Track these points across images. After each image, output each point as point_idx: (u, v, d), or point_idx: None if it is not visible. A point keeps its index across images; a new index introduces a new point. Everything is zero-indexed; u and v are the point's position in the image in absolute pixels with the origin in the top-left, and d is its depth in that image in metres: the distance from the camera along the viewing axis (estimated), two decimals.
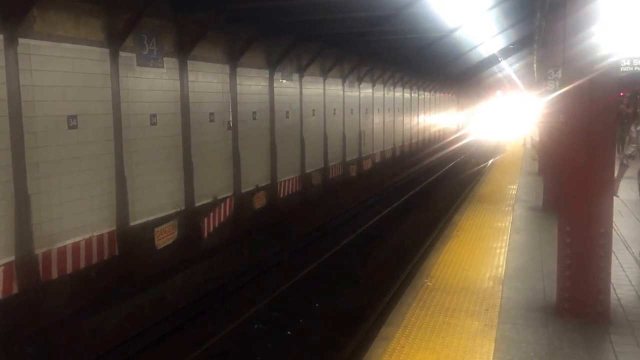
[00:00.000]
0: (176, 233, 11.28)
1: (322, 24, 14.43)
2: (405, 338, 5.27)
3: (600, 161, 5.43)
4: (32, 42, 8.05)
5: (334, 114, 20.62)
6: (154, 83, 10.70)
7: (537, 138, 18.77)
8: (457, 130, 46.48)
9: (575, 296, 5.55)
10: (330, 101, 20.04)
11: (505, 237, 9.00)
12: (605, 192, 5.46)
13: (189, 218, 11.79)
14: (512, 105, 47.16)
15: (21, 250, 7.88)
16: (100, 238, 9.40)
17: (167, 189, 11.18)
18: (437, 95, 40.87)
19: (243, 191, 13.99)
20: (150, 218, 10.62)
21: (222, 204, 13.09)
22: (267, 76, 15.33)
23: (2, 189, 7.66)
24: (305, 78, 17.70)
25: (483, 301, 6.14)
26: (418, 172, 27.90)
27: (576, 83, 5.44)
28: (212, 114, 12.69)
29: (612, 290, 5.77)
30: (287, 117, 16.64)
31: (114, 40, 9.50)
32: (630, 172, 9.30)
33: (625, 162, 9.08)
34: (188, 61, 11.61)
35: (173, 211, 11.30)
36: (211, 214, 12.64)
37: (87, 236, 9.12)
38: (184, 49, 11.43)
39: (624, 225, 9.07)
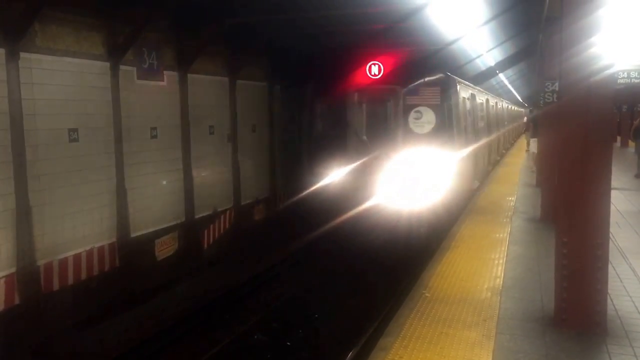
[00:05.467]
0: (176, 245, 11.32)
1: (321, 37, 14.54)
2: (403, 349, 5.29)
3: (597, 172, 5.48)
4: (34, 56, 8.14)
5: None
6: (154, 96, 10.79)
7: (534, 150, 18.77)
8: None
9: (572, 307, 5.59)
10: None
11: (503, 249, 9.03)
12: (602, 203, 5.51)
13: (189, 230, 11.85)
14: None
15: (23, 261, 7.93)
16: (101, 249, 9.46)
17: (168, 201, 11.24)
18: None
19: (242, 203, 14.04)
20: (151, 230, 10.67)
21: (222, 216, 13.14)
22: (267, 90, 15.43)
23: (3, 201, 7.72)
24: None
25: (481, 312, 6.17)
26: None
27: (573, 95, 5.51)
28: (211, 126, 12.78)
29: (609, 301, 5.80)
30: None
31: (115, 54, 9.60)
32: (630, 184, 9.35)
33: None
34: (188, 75, 11.72)
35: (173, 223, 11.36)
36: (211, 226, 12.69)
37: (88, 248, 9.18)
38: (184, 62, 11.53)
39: (621, 236, 9.12)
